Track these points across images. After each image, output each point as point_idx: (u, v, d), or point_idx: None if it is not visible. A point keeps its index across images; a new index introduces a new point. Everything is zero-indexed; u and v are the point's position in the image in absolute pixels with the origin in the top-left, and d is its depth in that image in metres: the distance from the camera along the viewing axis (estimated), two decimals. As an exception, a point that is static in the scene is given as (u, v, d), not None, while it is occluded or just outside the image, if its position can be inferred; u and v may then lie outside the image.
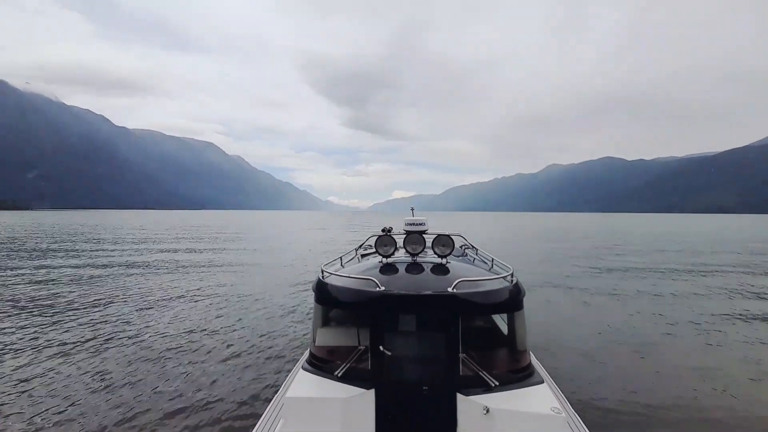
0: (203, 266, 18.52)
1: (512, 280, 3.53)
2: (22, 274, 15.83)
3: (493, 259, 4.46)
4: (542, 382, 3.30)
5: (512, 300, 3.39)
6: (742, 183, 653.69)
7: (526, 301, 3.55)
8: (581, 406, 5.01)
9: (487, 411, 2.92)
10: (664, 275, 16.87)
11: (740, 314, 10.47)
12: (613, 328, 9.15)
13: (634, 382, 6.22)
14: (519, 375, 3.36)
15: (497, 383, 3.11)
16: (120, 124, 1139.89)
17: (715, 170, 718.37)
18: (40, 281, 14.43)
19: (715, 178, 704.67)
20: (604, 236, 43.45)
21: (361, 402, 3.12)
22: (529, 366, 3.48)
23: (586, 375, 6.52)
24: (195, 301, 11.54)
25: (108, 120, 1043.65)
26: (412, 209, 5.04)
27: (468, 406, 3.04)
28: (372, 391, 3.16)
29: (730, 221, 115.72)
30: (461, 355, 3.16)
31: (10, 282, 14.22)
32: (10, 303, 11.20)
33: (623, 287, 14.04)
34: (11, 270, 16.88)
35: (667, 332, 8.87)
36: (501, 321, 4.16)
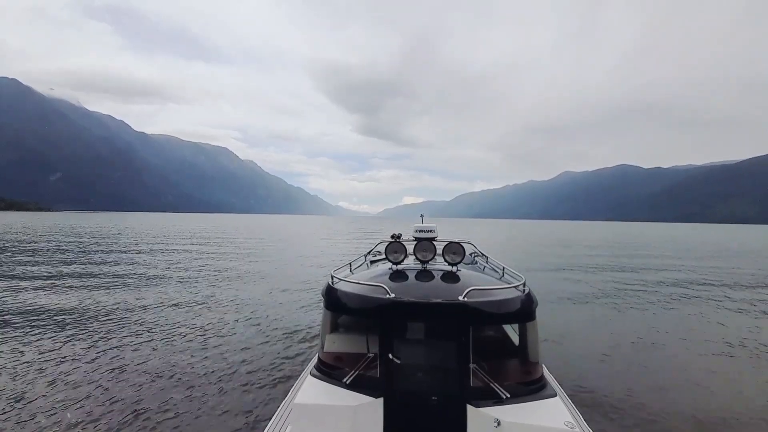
0: (215, 269, 19.00)
1: (524, 290, 3.45)
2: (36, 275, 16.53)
3: (504, 268, 4.35)
4: (555, 395, 3.21)
5: (524, 310, 3.32)
6: (763, 192, 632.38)
7: (538, 311, 3.48)
8: (596, 421, 4.86)
9: (498, 424, 2.84)
10: (689, 289, 16.46)
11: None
12: (632, 341, 8.94)
13: (652, 398, 6.03)
14: (531, 387, 3.26)
15: (509, 395, 3.03)
16: (140, 130, 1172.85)
17: (735, 179, 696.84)
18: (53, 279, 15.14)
19: (736, 187, 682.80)
20: (621, 245, 42.85)
21: (370, 410, 3.07)
22: (542, 378, 3.39)
23: (601, 389, 6.32)
24: (205, 303, 11.69)
25: (128, 125, 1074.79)
26: (422, 216, 4.98)
27: (478, 418, 2.96)
28: (380, 400, 3.11)
29: (754, 232, 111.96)
30: (471, 366, 3.09)
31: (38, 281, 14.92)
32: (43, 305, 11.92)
33: (644, 299, 13.77)
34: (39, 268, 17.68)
35: (692, 349, 8.56)
36: (513, 331, 4.08)
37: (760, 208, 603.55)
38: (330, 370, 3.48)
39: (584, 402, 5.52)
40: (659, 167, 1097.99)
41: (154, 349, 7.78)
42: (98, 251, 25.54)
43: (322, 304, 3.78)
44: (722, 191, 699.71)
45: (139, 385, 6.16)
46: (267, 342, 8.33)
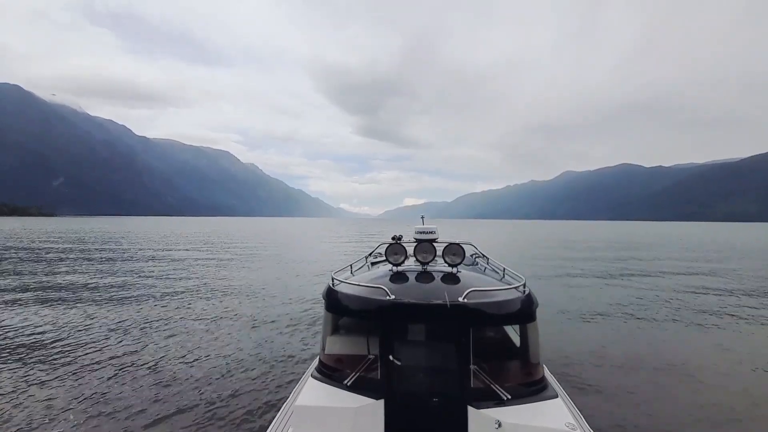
0: (216, 274, 19.13)
1: (524, 291, 3.45)
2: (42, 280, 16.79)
3: (504, 269, 4.36)
4: (556, 396, 3.22)
5: (525, 311, 3.33)
6: (764, 190, 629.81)
7: (539, 312, 3.48)
8: (597, 423, 4.83)
9: (499, 425, 2.84)
10: (695, 292, 16.27)
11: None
12: (634, 343, 8.89)
13: (653, 399, 5.99)
14: (532, 388, 3.26)
15: (509, 396, 3.03)
16: (141, 134, 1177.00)
17: (736, 177, 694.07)
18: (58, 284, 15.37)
19: (737, 185, 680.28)
20: (624, 246, 42.78)
21: (371, 412, 3.08)
22: (543, 379, 3.39)
23: (603, 390, 6.30)
24: (205, 306, 11.79)
25: (129, 130, 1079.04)
26: (422, 217, 4.98)
27: (479, 420, 2.96)
28: (381, 402, 3.12)
29: (756, 230, 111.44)
30: (472, 367, 3.10)
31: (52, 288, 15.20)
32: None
33: (648, 301, 13.74)
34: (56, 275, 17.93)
35: (697, 352, 8.43)
36: (513, 332, 4.07)
37: (760, 206, 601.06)
38: (331, 372, 3.49)
39: (586, 403, 5.50)
40: (661, 166, 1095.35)
41: (154, 355, 7.75)
42: (101, 258, 25.78)
43: (322, 306, 3.78)
44: (723, 189, 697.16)
45: (139, 390, 6.19)
46: (268, 344, 8.36)
